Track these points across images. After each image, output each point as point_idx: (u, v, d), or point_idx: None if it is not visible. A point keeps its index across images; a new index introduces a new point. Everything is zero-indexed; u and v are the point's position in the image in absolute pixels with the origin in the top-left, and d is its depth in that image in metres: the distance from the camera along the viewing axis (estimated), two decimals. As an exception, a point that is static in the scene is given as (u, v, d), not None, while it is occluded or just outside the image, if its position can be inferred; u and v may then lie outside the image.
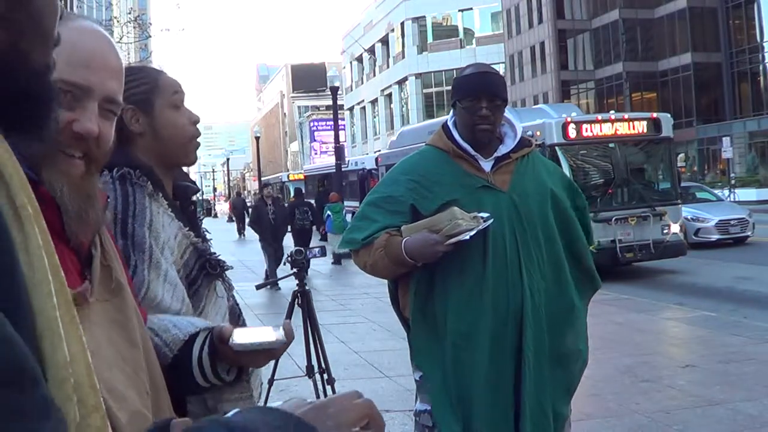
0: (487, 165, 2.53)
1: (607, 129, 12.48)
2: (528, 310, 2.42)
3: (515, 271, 2.43)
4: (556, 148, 11.83)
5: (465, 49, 51.60)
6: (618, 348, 7.05)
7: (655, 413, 5.07)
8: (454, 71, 48.35)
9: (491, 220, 2.38)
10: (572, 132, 12.08)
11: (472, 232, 2.33)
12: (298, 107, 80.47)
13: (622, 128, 12.62)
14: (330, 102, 21.75)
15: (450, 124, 2.61)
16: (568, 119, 12.28)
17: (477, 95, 2.46)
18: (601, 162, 12.54)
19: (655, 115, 13.27)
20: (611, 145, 12.49)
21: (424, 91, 54.33)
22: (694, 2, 43.59)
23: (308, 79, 76.16)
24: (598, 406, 5.28)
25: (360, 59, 65.34)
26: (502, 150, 2.56)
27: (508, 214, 2.47)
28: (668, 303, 9.68)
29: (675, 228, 12.49)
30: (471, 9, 53.51)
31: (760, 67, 41.93)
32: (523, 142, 2.61)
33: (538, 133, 11.89)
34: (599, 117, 13.02)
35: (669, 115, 13.47)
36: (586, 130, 12.31)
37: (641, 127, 12.75)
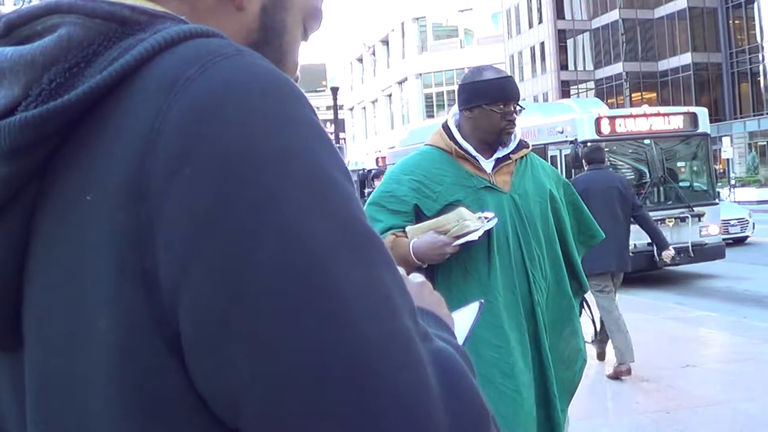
0: (488, 165, 2.54)
1: (641, 124, 11.64)
2: (537, 310, 2.43)
3: (521, 272, 2.44)
4: (589, 145, 11.28)
5: (465, 49, 51.57)
6: (618, 348, 7.03)
7: (655, 413, 5.07)
8: (454, 71, 48.36)
9: (496, 220, 2.38)
10: (605, 128, 11.25)
11: (480, 232, 2.33)
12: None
13: (658, 123, 11.74)
14: (330, 102, 21.71)
15: (452, 124, 2.60)
16: (601, 114, 11.48)
17: (508, 100, 2.52)
18: (636, 160, 11.83)
19: (691, 109, 12.54)
20: (646, 141, 11.72)
21: (425, 91, 54.31)
22: (694, 2, 43.63)
23: (308, 79, 76.23)
24: (598, 406, 5.29)
25: (360, 59, 65.35)
26: (503, 151, 2.57)
27: (510, 215, 2.48)
28: (668, 303, 9.68)
29: (714, 229, 11.68)
30: (471, 9, 53.52)
31: (760, 67, 41.95)
32: (521, 143, 2.62)
33: (569, 128, 11.21)
34: (633, 111, 12.14)
35: (705, 110, 12.73)
36: (620, 126, 11.46)
37: (677, 122, 11.93)
